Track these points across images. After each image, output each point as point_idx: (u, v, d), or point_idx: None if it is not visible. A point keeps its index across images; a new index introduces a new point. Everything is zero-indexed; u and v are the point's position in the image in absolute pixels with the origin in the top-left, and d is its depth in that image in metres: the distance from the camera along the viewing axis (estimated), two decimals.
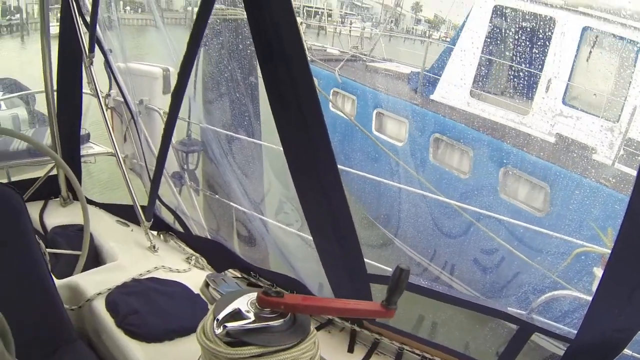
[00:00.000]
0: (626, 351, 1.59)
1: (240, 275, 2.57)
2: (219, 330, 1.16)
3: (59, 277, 2.01)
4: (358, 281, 1.98)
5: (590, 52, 6.93)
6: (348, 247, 1.88)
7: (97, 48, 2.65)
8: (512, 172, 6.84)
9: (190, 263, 2.39)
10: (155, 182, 2.37)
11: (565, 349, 1.80)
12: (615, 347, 1.56)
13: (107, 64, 2.99)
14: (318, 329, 2.35)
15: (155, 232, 2.68)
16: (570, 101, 7.08)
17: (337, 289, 2.14)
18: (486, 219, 6.56)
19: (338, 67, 9.06)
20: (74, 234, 2.51)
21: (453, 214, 7.09)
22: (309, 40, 12.33)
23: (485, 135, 7.15)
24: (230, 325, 1.15)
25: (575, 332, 1.71)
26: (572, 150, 6.66)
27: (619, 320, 1.46)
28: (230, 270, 2.59)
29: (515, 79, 7.71)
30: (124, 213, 2.68)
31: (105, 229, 2.51)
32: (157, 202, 2.61)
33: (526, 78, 7.46)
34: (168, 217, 2.85)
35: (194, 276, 2.22)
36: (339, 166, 1.64)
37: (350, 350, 2.28)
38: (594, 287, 1.48)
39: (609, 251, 1.36)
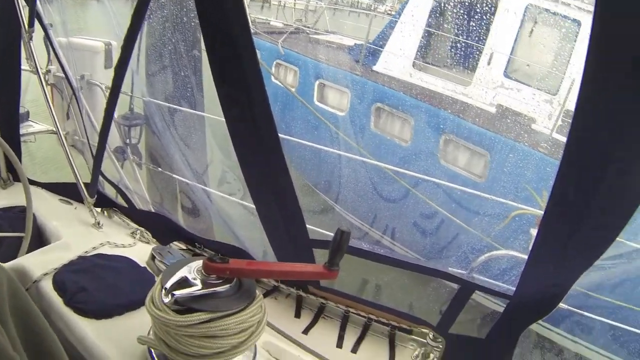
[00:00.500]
0: (562, 305, 1.69)
1: (185, 247, 2.58)
2: (167, 299, 1.17)
3: (3, 261, 1.98)
4: (300, 247, 2.01)
5: (533, 28, 7.14)
6: (290, 213, 1.91)
7: (36, 22, 2.57)
8: (453, 139, 7.04)
9: (135, 237, 2.37)
10: (98, 158, 2.34)
11: (505, 305, 1.90)
12: (552, 301, 1.64)
13: (48, 39, 2.90)
14: (265, 296, 2.39)
15: (99, 209, 2.63)
16: (512, 74, 7.30)
17: (280, 255, 2.17)
18: (426, 184, 6.79)
19: (281, 40, 9.02)
20: (16, 216, 2.43)
21: (392, 180, 7.28)
22: (253, 13, 12.20)
23: (426, 104, 7.28)
24: (178, 293, 1.17)
25: (514, 289, 1.80)
26: (512, 120, 6.89)
27: (554, 276, 1.53)
28: (175, 242, 2.61)
29: (458, 52, 7.83)
30: (67, 191, 2.62)
31: (48, 209, 2.46)
32: (100, 178, 2.59)
33: (469, 51, 7.61)
34: (112, 193, 2.82)
35: (139, 250, 2.21)
36: (280, 135, 1.66)
37: (297, 315, 2.33)
38: (530, 247, 1.55)
39: (542, 212, 1.42)
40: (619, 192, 1.17)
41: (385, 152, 7.61)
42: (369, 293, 6.76)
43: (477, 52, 7.57)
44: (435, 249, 7.35)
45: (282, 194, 1.84)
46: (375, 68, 8.16)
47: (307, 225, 2.00)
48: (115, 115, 3.43)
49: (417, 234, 7.50)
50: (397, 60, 8.03)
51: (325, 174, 8.22)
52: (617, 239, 1.30)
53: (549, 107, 6.82)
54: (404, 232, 7.67)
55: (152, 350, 1.36)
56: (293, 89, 8.80)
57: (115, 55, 2.19)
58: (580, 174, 1.21)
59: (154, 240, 2.44)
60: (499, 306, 2.01)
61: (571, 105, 6.26)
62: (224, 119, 1.68)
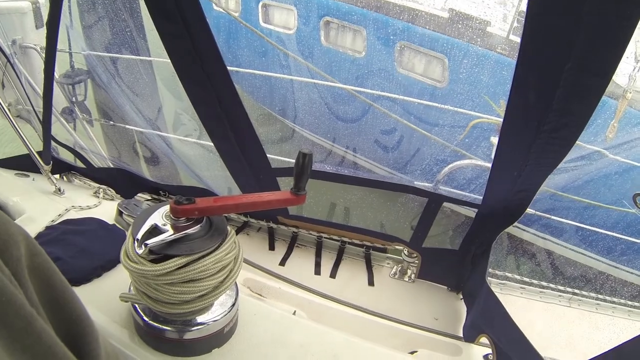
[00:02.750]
0: (530, 210, 1.73)
1: (150, 197, 2.56)
2: (141, 250, 1.16)
3: None
4: (264, 177, 2.01)
5: None
6: (248, 145, 1.90)
7: None
8: (408, 46, 6.99)
9: (99, 197, 2.33)
10: (46, 123, 2.25)
11: (474, 214, 1.95)
12: (519, 207, 1.68)
13: None
14: (237, 232, 2.40)
15: (57, 176, 2.58)
16: None
17: (245, 189, 2.17)
18: (383, 100, 6.76)
19: None
20: None
21: (349, 98, 7.26)
22: None
23: (376, 14, 7.16)
24: (151, 241, 1.16)
25: (481, 197, 1.84)
26: (466, 24, 6.86)
27: (518, 182, 1.56)
28: (139, 194, 2.58)
29: None
30: (21, 164, 2.53)
31: (5, 186, 2.37)
32: (53, 143, 2.51)
33: None
34: (68, 157, 2.75)
35: (106, 208, 2.18)
36: (228, 67, 1.63)
37: (272, 248, 2.37)
38: (493, 155, 1.57)
39: (501, 120, 1.43)
40: (577, 92, 1.18)
41: (340, 66, 7.54)
42: (339, 216, 6.86)
43: None
44: (399, 164, 7.47)
45: (238, 127, 1.83)
46: None
47: (269, 155, 1.99)
48: (57, 75, 3.30)
49: (380, 150, 7.61)
50: None
51: (279, 101, 8.22)
52: (577, 142, 1.32)
53: (502, 9, 6.80)
54: (366, 151, 7.80)
55: (137, 306, 1.36)
56: (237, 15, 8.55)
57: (45, 13, 2.07)
58: (537, 76, 1.21)
59: (118, 196, 2.40)
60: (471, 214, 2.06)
61: (524, 6, 6.32)
62: (169, 60, 1.64)
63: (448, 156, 6.34)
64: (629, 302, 2.76)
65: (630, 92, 5.98)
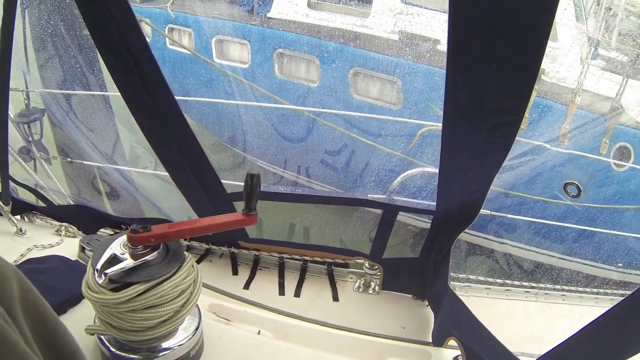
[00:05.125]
0: (484, 211, 1.78)
1: (112, 232, 2.56)
2: (101, 280, 1.19)
3: None
4: (221, 203, 2.04)
5: None
6: (203, 172, 1.92)
7: None
8: (361, 72, 7.14)
9: (61, 234, 2.32)
10: (2, 164, 2.25)
11: (430, 221, 2.00)
12: (473, 209, 1.72)
13: None
14: (199, 261, 2.42)
15: (18, 216, 2.52)
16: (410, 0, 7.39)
17: (203, 216, 2.18)
18: (334, 118, 6.97)
19: (169, 3, 8.74)
20: None
21: (294, 118, 7.48)
22: None
23: (328, 42, 7.32)
24: (110, 270, 1.18)
25: (435, 204, 1.89)
26: (417, 44, 7.01)
27: (468, 184, 1.60)
28: (102, 229, 2.58)
29: None
30: None
31: None
32: (12, 183, 2.50)
33: None
34: (28, 197, 2.73)
35: (68, 246, 2.17)
36: (176, 97, 1.66)
37: (235, 272, 2.38)
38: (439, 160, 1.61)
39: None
40: (508, 90, 1.21)
41: (297, 97, 7.65)
42: (299, 236, 6.91)
43: None
44: (350, 178, 7.62)
45: (191, 155, 1.85)
46: (270, 14, 8.01)
47: (225, 181, 2.02)
48: (12, 114, 3.28)
49: (330, 167, 7.78)
50: (291, 3, 7.94)
51: (228, 127, 8.29)
52: (518, 138, 1.36)
53: None
54: (316, 169, 7.93)
55: (102, 337, 1.37)
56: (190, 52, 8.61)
57: None
58: (467, 79, 1.25)
59: (81, 232, 2.40)
60: (426, 224, 2.10)
61: None
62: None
63: (398, 166, 6.51)
64: (587, 290, 2.85)
65: (579, 95, 6.24)
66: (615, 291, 2.95)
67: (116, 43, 1.43)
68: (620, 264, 6.71)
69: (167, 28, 8.74)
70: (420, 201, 2.23)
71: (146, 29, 8.40)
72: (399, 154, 6.43)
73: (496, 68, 1.16)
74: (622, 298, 1.20)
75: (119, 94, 1.65)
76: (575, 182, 4.75)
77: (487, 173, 1.52)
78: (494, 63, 1.15)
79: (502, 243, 7.22)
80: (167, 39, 8.62)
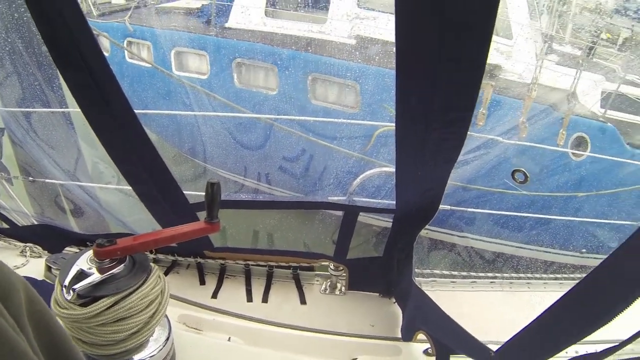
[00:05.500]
0: (444, 206, 1.83)
1: (78, 249, 2.54)
2: (69, 296, 1.20)
3: None
4: (184, 213, 2.04)
5: None
6: (165, 184, 1.93)
7: None
8: (319, 77, 7.24)
9: (26, 255, 2.31)
10: None
11: (391, 219, 2.03)
12: (432, 204, 1.74)
13: None
14: (166, 273, 2.42)
15: None
16: (365, 4, 7.52)
17: (168, 227, 2.20)
18: (291, 124, 7.10)
19: (127, 16, 8.67)
20: None
21: (251, 125, 7.63)
22: None
23: (286, 50, 7.37)
24: (78, 285, 1.20)
25: (395, 203, 1.91)
26: (374, 48, 7.12)
27: (425, 181, 1.62)
28: (68, 248, 2.56)
29: None
30: None
31: None
32: None
33: None
34: None
35: (34, 266, 2.17)
36: (138, 111, 1.66)
37: (202, 282, 2.39)
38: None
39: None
40: (455, 88, 1.23)
41: (257, 105, 7.69)
42: (263, 242, 6.96)
43: None
44: (310, 182, 7.72)
45: (152, 168, 1.86)
46: (228, 25, 8.07)
47: (188, 192, 2.03)
48: None
49: (289, 173, 7.91)
50: (248, 12, 7.98)
51: (188, 138, 8.33)
52: (471, 133, 1.40)
53: None
54: (276, 175, 8.06)
55: None
56: (150, 65, 8.56)
57: None
58: (415, 78, 1.26)
59: (46, 252, 2.39)
60: (388, 222, 2.14)
61: None
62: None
63: (354, 167, 6.69)
64: (551, 276, 2.95)
65: (534, 90, 6.44)
66: (578, 275, 3.06)
67: (74, 59, 1.43)
68: (584, 250, 6.97)
69: (125, 42, 8.69)
70: (380, 201, 2.27)
71: (105, 43, 8.35)
72: (356, 155, 6.53)
73: (443, 68, 1.18)
74: (577, 282, 1.27)
75: (79, 110, 1.66)
76: (522, 169, 4.90)
77: (443, 170, 1.55)
78: (440, 62, 1.17)
79: (463, 237, 7.39)
80: (126, 53, 8.57)
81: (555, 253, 7.31)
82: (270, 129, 7.44)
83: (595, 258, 6.98)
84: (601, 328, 1.23)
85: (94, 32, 1.47)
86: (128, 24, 8.57)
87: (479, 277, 2.75)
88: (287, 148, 7.51)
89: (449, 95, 1.25)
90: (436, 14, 1.07)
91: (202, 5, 9.06)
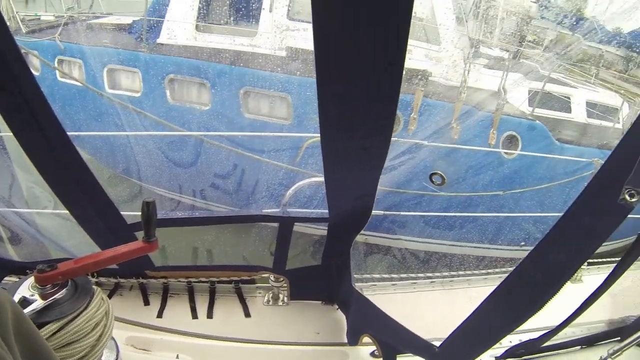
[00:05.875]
0: (376, 212, 1.88)
1: (18, 279, 2.49)
2: None
3: None
4: (122, 234, 2.02)
5: None
6: (101, 206, 1.93)
7: None
8: (251, 91, 7.26)
9: None
10: None
11: (326, 227, 2.08)
12: (363, 211, 1.79)
13: None
14: (110, 296, 2.40)
15: None
16: (296, 15, 7.60)
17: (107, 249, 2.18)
18: (222, 139, 7.11)
19: (57, 34, 8.40)
20: None
21: (185, 145, 7.64)
22: (21, 11, 11.01)
23: (217, 64, 7.37)
24: None
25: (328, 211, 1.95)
26: (304, 59, 7.20)
27: (353, 188, 1.66)
28: (6, 278, 2.50)
29: (238, 5, 7.92)
30: None
31: None
32: None
33: (249, 2, 7.74)
34: None
35: None
36: (70, 133, 1.63)
37: (146, 302, 2.38)
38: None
39: None
40: (374, 95, 1.22)
41: (191, 121, 7.64)
42: (203, 259, 6.93)
43: (258, 1, 7.75)
44: (244, 196, 7.79)
45: (88, 190, 1.85)
46: (159, 41, 7.97)
47: (127, 212, 2.03)
48: None
49: (222, 189, 7.95)
50: (179, 27, 7.93)
51: (121, 159, 8.18)
52: (394, 139, 1.44)
53: None
54: (210, 191, 8.09)
55: None
56: (82, 84, 8.35)
57: None
58: (335, 88, 1.24)
59: None
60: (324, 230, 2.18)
61: None
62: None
63: (284, 179, 6.82)
64: (490, 271, 3.07)
65: (464, 93, 6.67)
66: (510, 269, 3.20)
67: (2, 79, 1.40)
68: (523, 243, 7.31)
69: (56, 60, 8.45)
70: (313, 210, 2.31)
71: (34, 62, 8.10)
72: (287, 167, 6.58)
73: (361, 76, 1.17)
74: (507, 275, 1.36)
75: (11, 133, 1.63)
76: (439, 172, 5.07)
77: (371, 176, 1.57)
78: (359, 71, 1.17)
79: (397, 239, 7.57)
80: (57, 72, 8.34)
81: (485, 248, 7.61)
82: (201, 145, 7.42)
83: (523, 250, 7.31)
84: (532, 316, 1.32)
85: (23, 50, 1.45)
86: (58, 41, 8.34)
87: (419, 278, 2.84)
88: (219, 164, 7.51)
89: (369, 103, 1.26)
90: (351, 22, 1.06)
91: (133, 21, 8.92)
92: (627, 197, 1.03)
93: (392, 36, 1.06)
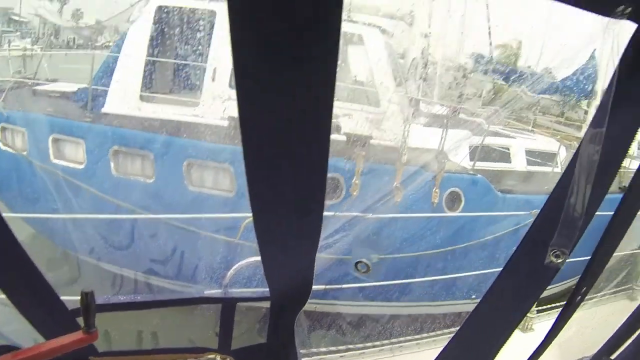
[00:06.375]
0: (317, 287, 1.89)
1: None
2: None
3: None
4: (63, 320, 1.94)
5: None
6: (40, 291, 1.84)
7: None
8: (194, 162, 7.28)
9: None
10: None
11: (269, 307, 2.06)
12: (306, 287, 1.76)
13: None
14: None
15: None
16: None
17: (48, 335, 2.11)
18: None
19: (0, 99, 8.18)
20: None
21: (121, 225, 7.47)
22: None
23: (161, 136, 7.36)
24: None
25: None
26: None
27: (291, 267, 1.66)
28: None
29: (182, 75, 8.01)
30: None
31: None
32: None
33: (192, 72, 7.84)
34: None
35: None
36: (7, 214, 1.61)
37: None
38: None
39: None
40: (301, 170, 1.18)
41: (135, 194, 7.48)
42: (148, 342, 6.77)
43: (201, 71, 7.89)
44: (185, 275, 7.63)
45: (25, 275, 1.75)
46: (104, 110, 7.85)
47: (65, 297, 1.92)
48: None
49: (162, 274, 7.76)
50: (124, 96, 7.87)
51: (62, 242, 8.02)
52: (327, 213, 1.45)
53: None
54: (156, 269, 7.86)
55: None
56: (25, 153, 8.05)
57: None
58: (261, 168, 1.20)
59: None
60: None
61: None
62: None
63: (225, 258, 6.75)
64: (439, 332, 3.09)
65: (405, 154, 6.83)
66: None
67: None
68: (474, 296, 7.37)
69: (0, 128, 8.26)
70: (255, 290, 2.33)
71: None
72: (225, 244, 6.59)
73: (287, 147, 1.13)
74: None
75: None
76: (364, 260, 5.14)
77: (307, 254, 1.53)
78: (284, 148, 1.12)
79: (334, 305, 7.57)
80: None
81: (437, 305, 7.67)
82: (142, 223, 7.37)
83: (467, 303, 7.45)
84: None
85: None
86: (1, 107, 8.15)
87: (367, 347, 2.85)
88: (156, 250, 7.47)
89: (297, 179, 1.21)
90: (274, 88, 0.98)
91: (78, 88, 8.71)
92: (553, 259, 1.08)
93: (317, 111, 1.01)
